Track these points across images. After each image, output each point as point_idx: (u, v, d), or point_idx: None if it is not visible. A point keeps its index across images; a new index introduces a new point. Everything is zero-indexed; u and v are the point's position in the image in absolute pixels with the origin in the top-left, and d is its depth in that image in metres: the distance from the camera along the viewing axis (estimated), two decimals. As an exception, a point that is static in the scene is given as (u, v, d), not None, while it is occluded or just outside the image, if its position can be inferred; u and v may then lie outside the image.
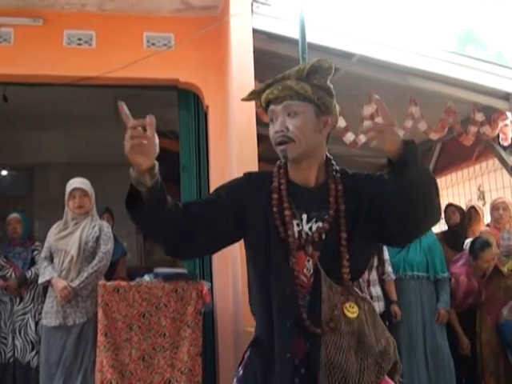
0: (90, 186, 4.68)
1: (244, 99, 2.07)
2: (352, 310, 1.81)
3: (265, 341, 1.91)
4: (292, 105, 1.88)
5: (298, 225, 1.90)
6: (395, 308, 4.79)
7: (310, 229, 1.89)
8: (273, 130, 1.91)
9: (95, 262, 4.49)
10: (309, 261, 1.87)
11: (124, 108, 1.75)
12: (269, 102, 1.93)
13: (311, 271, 1.87)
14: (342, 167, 2.02)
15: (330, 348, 1.79)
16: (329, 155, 2.02)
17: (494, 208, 5.40)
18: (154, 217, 1.85)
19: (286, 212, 1.90)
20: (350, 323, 1.81)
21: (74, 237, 4.52)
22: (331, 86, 1.95)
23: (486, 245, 5.02)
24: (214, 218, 1.96)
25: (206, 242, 1.99)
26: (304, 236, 1.88)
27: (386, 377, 1.87)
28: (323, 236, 1.87)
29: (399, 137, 1.71)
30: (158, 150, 1.75)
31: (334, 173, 1.95)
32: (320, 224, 1.88)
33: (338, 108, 1.98)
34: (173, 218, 1.89)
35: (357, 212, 1.87)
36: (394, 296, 4.82)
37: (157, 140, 1.74)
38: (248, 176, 2.07)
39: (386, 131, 1.71)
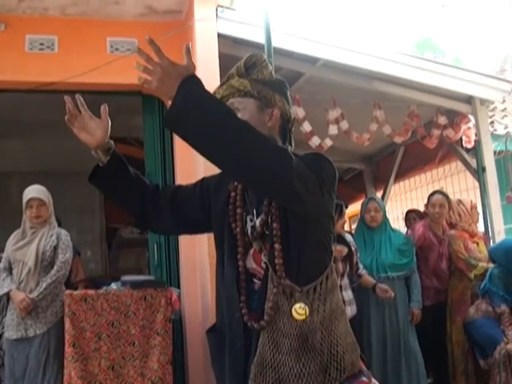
0: (47, 194, 4.58)
1: None
2: (300, 312, 1.79)
3: (219, 328, 1.99)
4: (234, 102, 1.96)
5: (251, 220, 1.95)
6: (381, 287, 4.69)
7: (259, 222, 1.92)
8: None
9: (53, 271, 4.41)
10: (265, 255, 1.88)
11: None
12: None
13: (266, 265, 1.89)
14: (298, 153, 2.00)
15: (267, 346, 1.80)
16: (287, 144, 2.05)
17: (474, 207, 5.42)
18: (115, 187, 2.14)
19: (238, 210, 1.97)
20: (296, 325, 1.79)
21: (32, 247, 4.43)
22: (275, 79, 2.00)
23: (437, 192, 5.51)
24: (187, 203, 2.13)
25: (175, 223, 2.16)
26: (255, 230, 1.92)
27: (364, 375, 1.87)
28: (265, 228, 1.90)
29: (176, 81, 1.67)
30: (106, 130, 2.06)
31: None
32: (262, 217, 1.92)
33: (286, 100, 2.02)
34: (139, 192, 2.12)
35: None
36: (372, 281, 4.78)
37: (104, 122, 2.06)
38: (220, 175, 2.15)
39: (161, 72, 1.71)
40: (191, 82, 1.65)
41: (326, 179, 1.84)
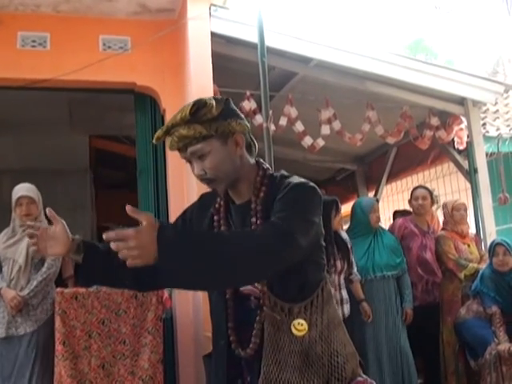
0: (36, 192, 4.56)
1: (155, 143, 2.06)
2: (300, 328, 1.79)
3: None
4: (196, 150, 1.87)
5: None
6: (365, 306, 4.80)
7: None
8: (194, 173, 1.93)
9: (44, 269, 4.39)
10: None
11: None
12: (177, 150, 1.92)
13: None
14: (276, 172, 1.99)
15: (271, 366, 1.78)
16: (260, 161, 2.00)
17: (455, 209, 5.44)
18: (103, 276, 2.02)
19: None
20: (296, 341, 1.79)
21: (22, 245, 4.41)
22: (224, 107, 1.90)
23: (420, 186, 5.75)
24: None
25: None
26: None
27: (361, 377, 1.87)
28: None
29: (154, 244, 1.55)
30: (65, 231, 1.96)
31: (260, 184, 1.92)
32: None
33: (239, 118, 1.94)
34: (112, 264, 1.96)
35: None
36: (361, 295, 4.84)
37: (58, 225, 1.96)
38: (200, 198, 2.14)
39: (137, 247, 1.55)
40: (165, 237, 1.55)
41: (317, 212, 1.84)
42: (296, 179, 1.90)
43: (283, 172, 1.98)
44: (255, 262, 1.63)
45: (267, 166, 1.99)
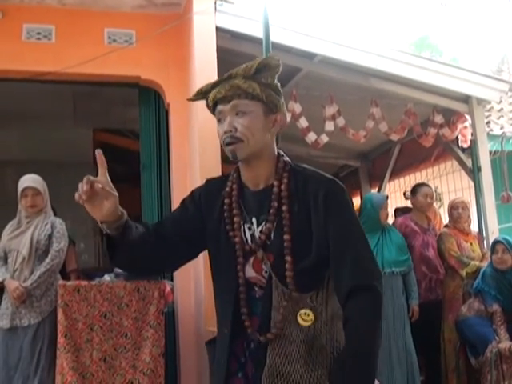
0: (42, 184, 4.57)
1: (190, 99, 2.03)
2: (306, 318, 1.79)
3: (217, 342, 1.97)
4: (240, 104, 1.84)
5: (249, 228, 1.90)
6: None
7: (261, 231, 1.87)
8: (221, 130, 1.87)
9: (48, 260, 4.40)
10: (266, 263, 1.85)
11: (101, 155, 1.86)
12: (216, 102, 1.89)
13: (268, 274, 1.86)
14: (296, 163, 1.98)
15: (276, 356, 1.78)
16: (281, 152, 1.98)
17: (454, 207, 5.46)
18: (119, 254, 1.89)
19: (235, 219, 1.90)
20: (302, 331, 1.79)
21: (26, 236, 4.43)
22: (278, 84, 1.93)
23: (423, 184, 5.76)
24: (185, 230, 1.99)
25: (183, 254, 2.07)
26: (256, 239, 1.87)
27: None
28: (270, 238, 1.85)
29: None
30: (111, 207, 1.80)
31: (282, 171, 1.90)
32: (266, 226, 1.87)
33: (283, 105, 1.96)
34: (141, 250, 1.92)
35: (304, 214, 1.85)
36: None
37: (110, 201, 1.80)
38: (207, 182, 2.09)
39: None
40: None
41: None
42: (324, 174, 1.92)
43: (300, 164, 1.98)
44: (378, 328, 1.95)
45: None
